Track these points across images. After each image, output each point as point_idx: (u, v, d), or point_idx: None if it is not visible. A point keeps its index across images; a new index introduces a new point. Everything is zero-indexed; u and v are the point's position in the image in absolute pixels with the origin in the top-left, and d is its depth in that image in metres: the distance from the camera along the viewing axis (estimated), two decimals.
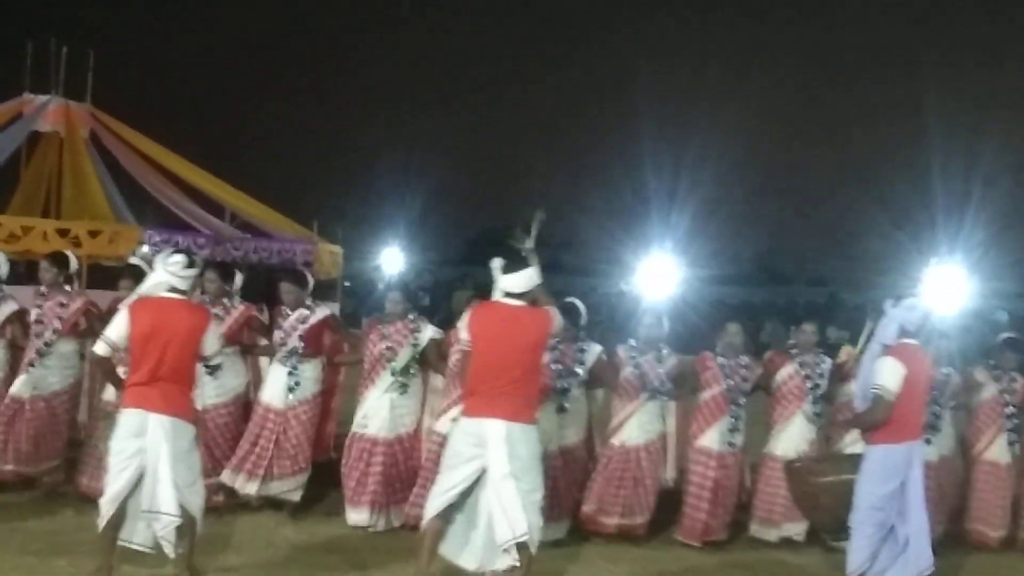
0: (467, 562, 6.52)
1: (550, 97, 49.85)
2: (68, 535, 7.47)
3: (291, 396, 8.53)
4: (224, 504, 8.53)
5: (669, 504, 8.69)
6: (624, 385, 8.65)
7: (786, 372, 8.78)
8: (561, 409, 8.40)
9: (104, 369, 7.05)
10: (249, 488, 8.54)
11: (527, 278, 6.73)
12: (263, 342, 8.94)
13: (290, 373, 8.54)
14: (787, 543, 8.49)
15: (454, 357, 8.46)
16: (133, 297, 7.02)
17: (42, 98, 19.06)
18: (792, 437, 8.78)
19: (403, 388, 8.43)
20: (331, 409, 9.13)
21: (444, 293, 21.88)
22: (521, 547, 6.41)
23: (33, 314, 8.84)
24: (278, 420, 8.57)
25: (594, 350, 8.67)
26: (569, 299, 8.94)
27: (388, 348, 8.59)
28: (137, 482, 6.56)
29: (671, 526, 8.62)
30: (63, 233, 16.10)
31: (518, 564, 6.38)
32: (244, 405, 8.81)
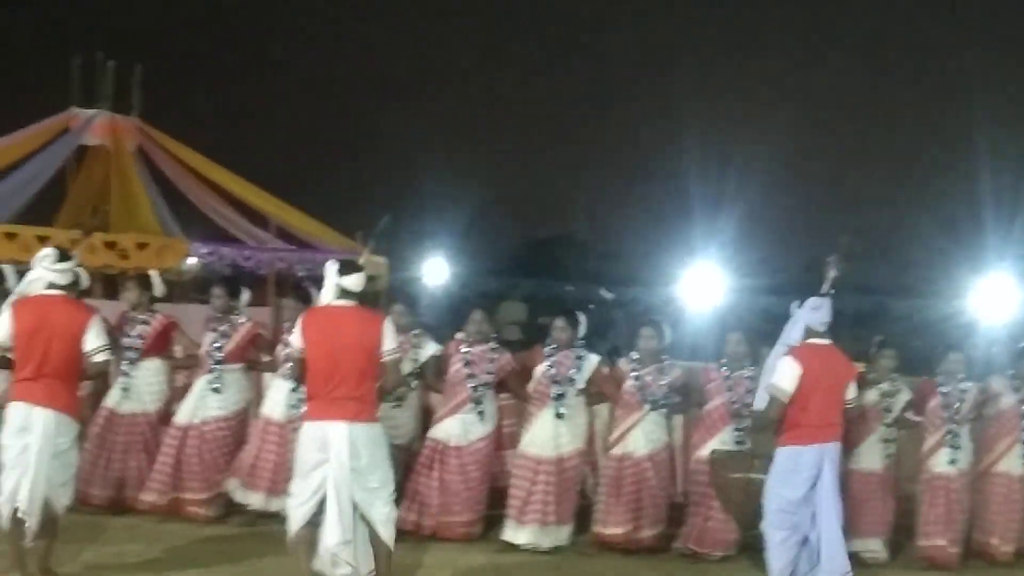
0: (321, 566, 6.50)
1: (595, 107, 49.71)
2: None
3: (293, 411, 8.58)
4: (204, 518, 8.59)
5: (681, 519, 8.67)
6: (625, 397, 8.62)
7: (869, 397, 8.67)
8: (559, 415, 8.41)
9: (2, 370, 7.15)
10: (252, 500, 8.60)
11: (364, 277, 6.80)
12: (266, 358, 8.99)
13: (293, 389, 8.60)
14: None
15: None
16: (14, 297, 7.15)
17: (89, 112, 19.17)
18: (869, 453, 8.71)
19: (397, 402, 8.47)
20: None
21: (490, 304, 21.81)
22: (378, 544, 6.54)
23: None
24: (280, 433, 8.62)
25: (592, 360, 8.70)
26: (570, 308, 9.07)
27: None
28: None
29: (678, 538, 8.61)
30: (111, 246, 16.16)
31: (350, 571, 6.39)
32: (243, 421, 8.87)
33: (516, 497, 8.52)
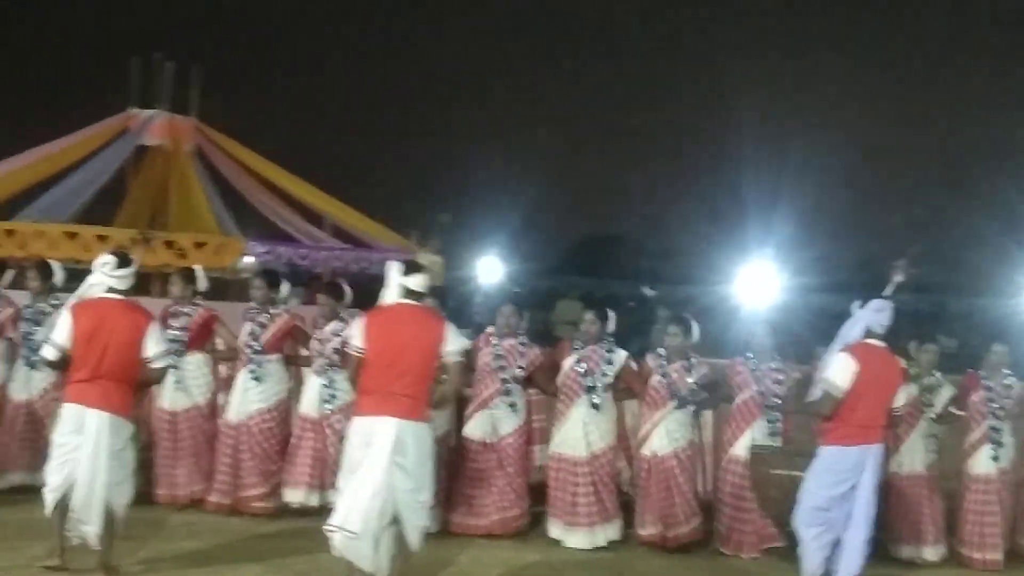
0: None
1: (649, 104, 49.56)
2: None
3: (325, 406, 8.66)
4: (267, 511, 8.72)
5: (708, 515, 8.66)
6: (651, 393, 8.59)
7: (909, 392, 8.55)
8: (594, 406, 8.42)
9: (59, 372, 7.25)
10: (311, 500, 8.69)
11: (427, 278, 6.83)
12: (305, 353, 9.09)
13: (325, 385, 8.68)
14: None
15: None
16: (72, 299, 7.20)
17: (148, 112, 19.44)
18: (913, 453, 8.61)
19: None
20: None
21: (545, 302, 21.80)
22: (403, 546, 6.54)
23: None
24: (315, 429, 8.72)
25: (620, 356, 8.68)
26: (600, 304, 9.06)
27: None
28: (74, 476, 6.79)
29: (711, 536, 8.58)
30: (169, 245, 16.36)
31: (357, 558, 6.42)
32: (286, 411, 8.99)
33: (561, 500, 8.50)
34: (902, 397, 7.42)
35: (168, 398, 8.95)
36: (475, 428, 8.62)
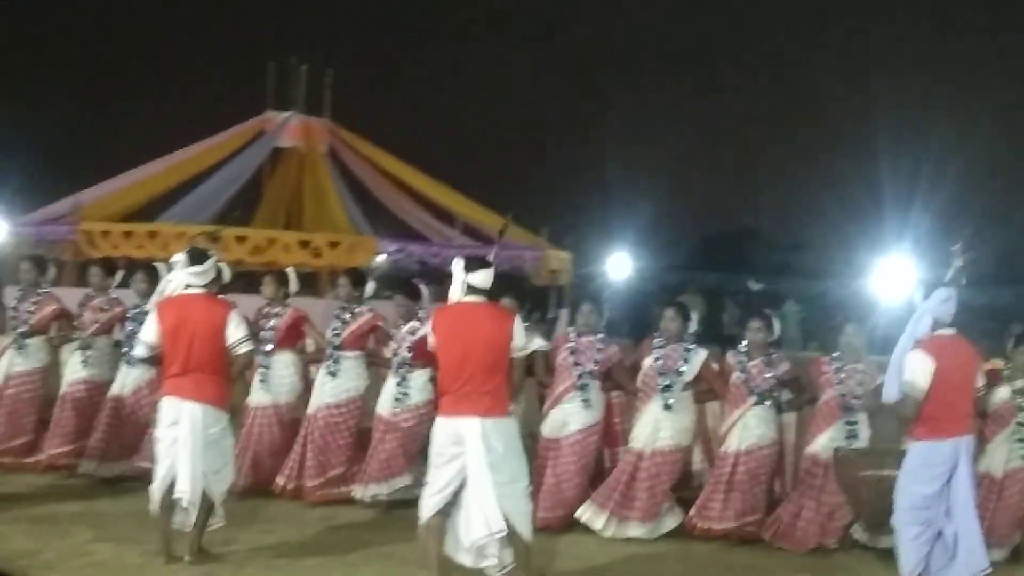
0: (464, 558, 6.56)
1: (781, 96, 48.79)
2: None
3: (396, 404, 8.75)
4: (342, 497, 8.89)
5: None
6: (732, 390, 8.46)
7: (1001, 393, 8.26)
8: (667, 406, 8.31)
9: (152, 367, 7.64)
10: (357, 492, 8.87)
11: (491, 274, 6.75)
12: (387, 352, 9.18)
13: (398, 384, 8.77)
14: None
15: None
16: (156, 298, 7.48)
17: (283, 115, 19.83)
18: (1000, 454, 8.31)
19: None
20: None
21: (669, 298, 21.73)
22: (515, 537, 6.49)
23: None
24: (386, 428, 8.83)
25: (700, 354, 8.54)
26: (680, 300, 8.92)
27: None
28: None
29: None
30: (304, 244, 16.71)
31: (496, 562, 6.43)
32: (358, 409, 9.11)
33: (613, 489, 8.50)
34: (980, 378, 7.21)
35: (255, 394, 9.18)
36: (546, 425, 8.63)
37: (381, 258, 16.78)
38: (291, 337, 9.31)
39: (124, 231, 16.60)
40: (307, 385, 9.34)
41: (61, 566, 7.03)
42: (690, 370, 8.48)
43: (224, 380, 7.25)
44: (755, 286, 20.75)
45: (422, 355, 8.68)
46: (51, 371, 9.73)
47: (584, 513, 8.43)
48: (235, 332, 7.18)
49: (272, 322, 9.20)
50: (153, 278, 9.38)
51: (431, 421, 6.98)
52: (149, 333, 7.20)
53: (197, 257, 7.30)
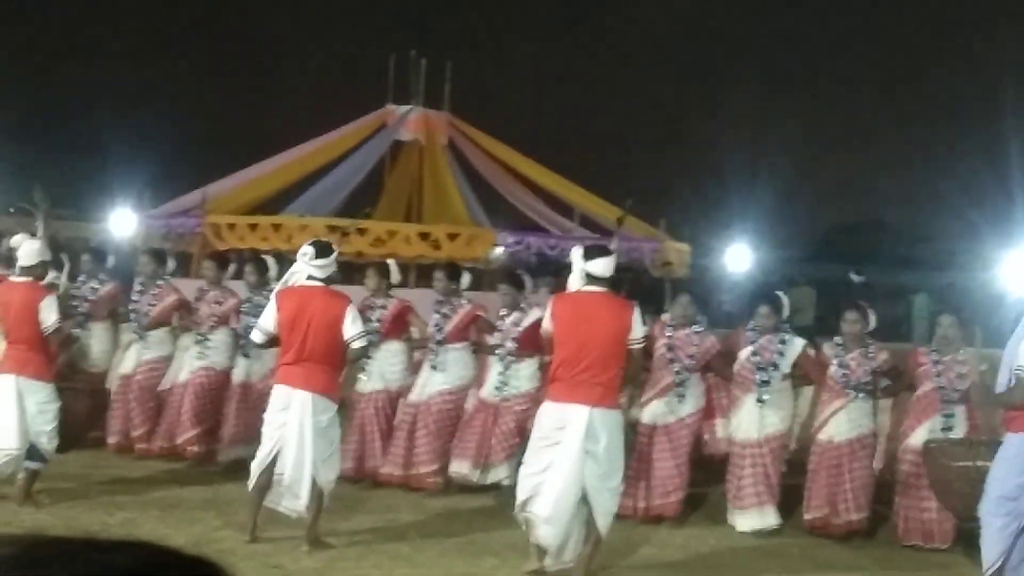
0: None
1: (904, 88, 47.75)
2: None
3: (499, 391, 8.99)
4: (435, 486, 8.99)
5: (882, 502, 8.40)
6: (829, 383, 8.33)
7: None
8: (760, 401, 8.23)
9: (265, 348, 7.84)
10: (473, 476, 8.98)
11: (611, 262, 6.72)
12: (490, 341, 9.31)
13: (500, 373, 8.85)
14: None
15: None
16: (278, 287, 7.67)
17: (404, 108, 20.01)
18: None
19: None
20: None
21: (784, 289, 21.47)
22: (592, 529, 6.55)
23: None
24: (487, 411, 8.97)
25: (797, 344, 8.45)
26: (776, 292, 8.88)
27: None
28: (279, 452, 7.23)
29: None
30: (424, 236, 16.87)
31: (547, 544, 6.54)
32: (466, 396, 9.30)
33: (730, 483, 8.50)
34: None
35: (362, 382, 9.40)
36: (646, 414, 8.66)
37: (499, 250, 16.87)
38: (397, 327, 9.51)
39: (249, 224, 16.94)
40: (414, 372, 9.56)
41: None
42: (786, 361, 8.45)
43: (335, 371, 7.44)
44: (856, 278, 20.31)
45: (528, 344, 8.82)
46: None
47: (728, 515, 8.47)
48: (352, 326, 7.33)
49: (377, 313, 9.40)
50: (263, 270, 9.70)
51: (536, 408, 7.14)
52: (267, 320, 7.41)
53: (323, 250, 7.46)
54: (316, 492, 7.25)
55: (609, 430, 6.57)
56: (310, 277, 7.39)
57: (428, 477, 9.13)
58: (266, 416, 7.39)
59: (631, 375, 7.00)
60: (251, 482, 7.38)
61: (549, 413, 6.67)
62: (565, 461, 6.48)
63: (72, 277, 9.89)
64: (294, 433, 7.18)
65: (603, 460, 6.54)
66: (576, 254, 6.82)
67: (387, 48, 20.05)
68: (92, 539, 1.18)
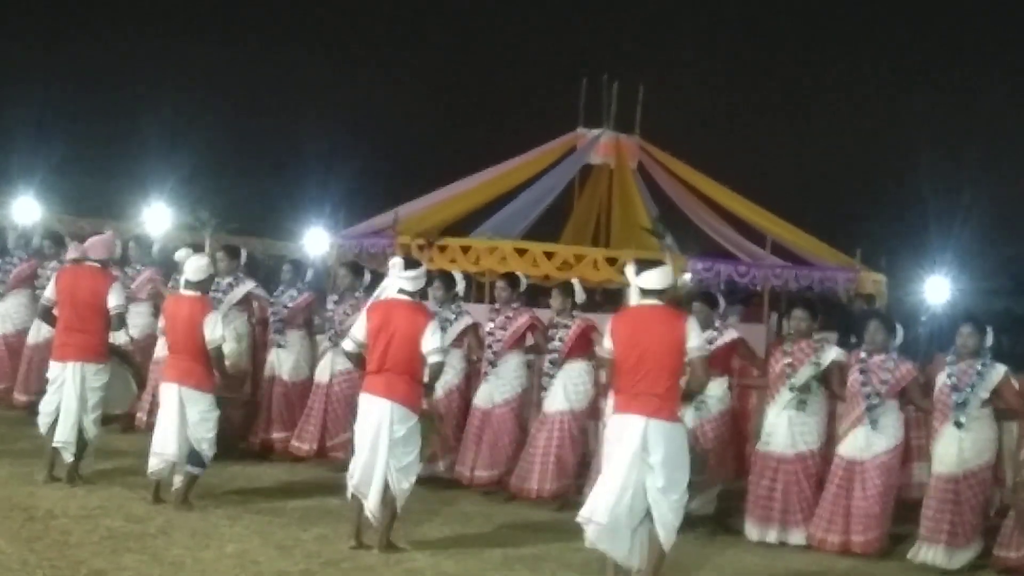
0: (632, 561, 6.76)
1: None
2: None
3: (698, 412, 8.99)
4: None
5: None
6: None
7: None
8: (958, 424, 7.93)
9: (354, 363, 8.10)
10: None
11: (662, 275, 6.86)
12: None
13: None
14: None
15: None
16: (371, 300, 8.04)
17: (594, 132, 20.02)
18: None
19: (801, 404, 8.52)
20: (747, 431, 9.45)
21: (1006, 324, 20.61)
22: (654, 542, 6.62)
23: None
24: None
25: (997, 371, 8.44)
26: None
27: (789, 365, 8.57)
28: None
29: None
30: (611, 261, 16.77)
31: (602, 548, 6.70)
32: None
33: (925, 516, 8.23)
34: None
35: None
36: (843, 446, 8.54)
37: (687, 276, 16.65)
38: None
39: (439, 245, 17.15)
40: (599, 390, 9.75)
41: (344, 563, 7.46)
42: (985, 386, 8.19)
43: (415, 382, 7.69)
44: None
45: (719, 364, 9.05)
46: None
47: (918, 550, 8.29)
48: (430, 341, 7.59)
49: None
50: (449, 285, 10.02)
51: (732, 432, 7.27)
52: (358, 331, 7.67)
53: (411, 264, 7.71)
54: (388, 499, 7.48)
55: (667, 442, 6.64)
56: (401, 291, 7.64)
57: (483, 483, 9.81)
58: (356, 426, 7.66)
59: (694, 386, 7.13)
60: (349, 492, 7.72)
61: (610, 425, 6.89)
62: (620, 468, 6.60)
63: (269, 290, 10.53)
64: (368, 439, 7.45)
65: (661, 472, 6.60)
66: (629, 270, 7.03)
67: (579, 71, 20.05)
68: None
